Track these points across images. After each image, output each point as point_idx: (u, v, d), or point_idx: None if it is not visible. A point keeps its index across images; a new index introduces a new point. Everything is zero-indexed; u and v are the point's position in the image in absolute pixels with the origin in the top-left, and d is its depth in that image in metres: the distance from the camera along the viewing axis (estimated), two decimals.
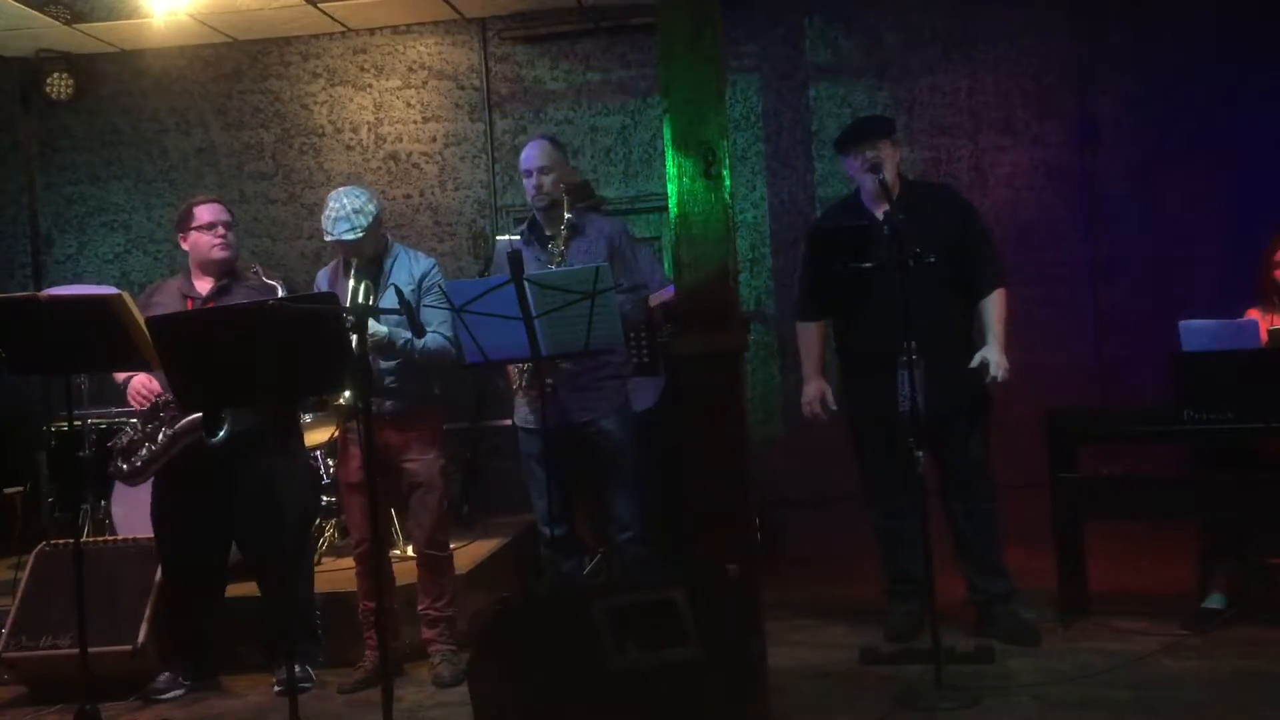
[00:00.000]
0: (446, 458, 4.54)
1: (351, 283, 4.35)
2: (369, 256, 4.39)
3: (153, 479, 4.50)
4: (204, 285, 4.52)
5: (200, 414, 4.21)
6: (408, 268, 4.43)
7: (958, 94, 6.90)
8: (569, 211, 4.40)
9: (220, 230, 4.50)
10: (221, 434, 4.24)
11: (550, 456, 4.27)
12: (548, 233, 4.44)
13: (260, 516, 4.32)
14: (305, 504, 4.52)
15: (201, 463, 4.31)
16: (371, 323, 4.13)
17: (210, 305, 4.38)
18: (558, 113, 7.20)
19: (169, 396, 4.30)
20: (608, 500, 4.43)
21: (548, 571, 4.47)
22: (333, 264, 4.58)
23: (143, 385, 4.38)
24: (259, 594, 4.59)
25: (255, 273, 4.58)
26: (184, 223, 4.55)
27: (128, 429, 4.45)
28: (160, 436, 4.33)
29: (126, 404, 4.50)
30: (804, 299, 4.73)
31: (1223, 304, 4.74)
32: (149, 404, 4.36)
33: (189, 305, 4.39)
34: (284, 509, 4.33)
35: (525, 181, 4.45)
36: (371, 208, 4.31)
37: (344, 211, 4.27)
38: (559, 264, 4.27)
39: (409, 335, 4.19)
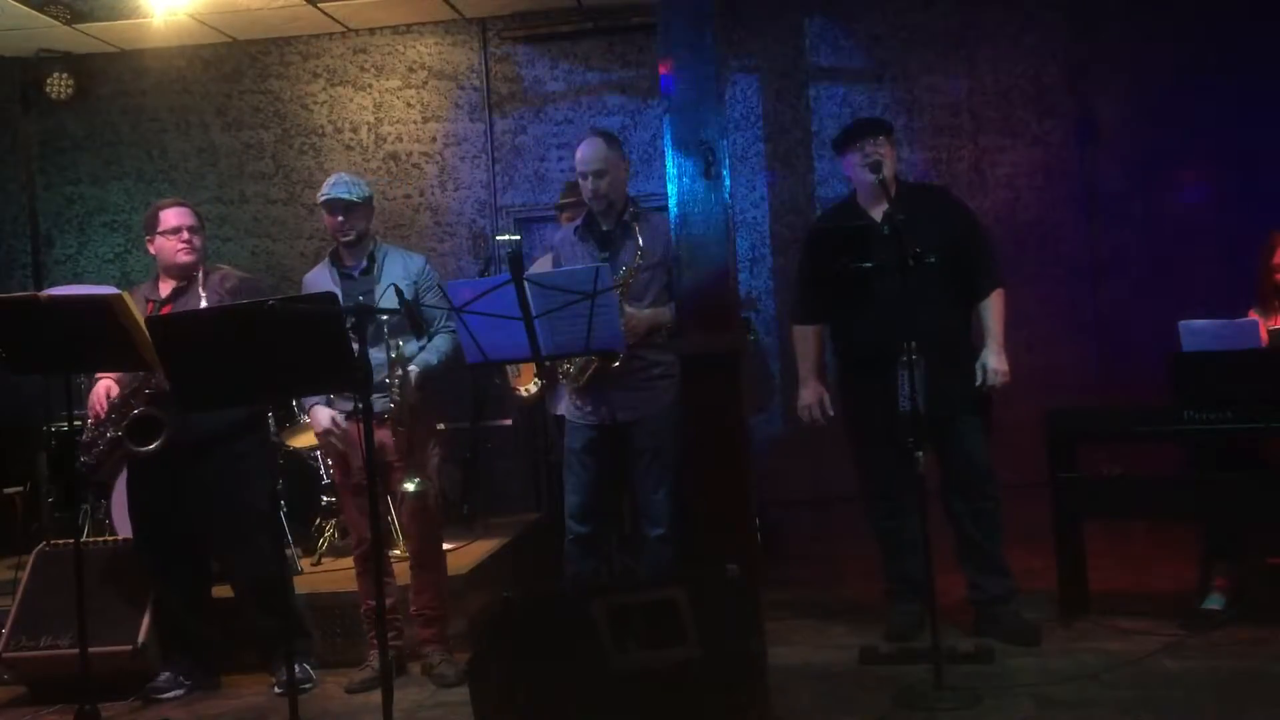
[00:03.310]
0: (440, 457, 4.53)
1: (340, 287, 4.35)
2: (357, 237, 4.38)
3: (127, 479, 4.53)
4: (168, 288, 4.48)
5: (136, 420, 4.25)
6: (402, 264, 4.43)
7: (958, 94, 6.90)
8: (625, 212, 4.39)
9: (185, 235, 4.43)
10: (152, 446, 4.23)
11: (590, 454, 4.34)
12: (604, 229, 4.43)
13: (219, 518, 4.38)
14: (264, 505, 4.45)
15: (167, 463, 4.30)
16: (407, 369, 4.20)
17: (166, 309, 4.32)
18: (558, 113, 7.20)
19: (124, 398, 4.32)
20: (644, 499, 4.41)
21: (567, 567, 4.46)
22: (318, 267, 4.56)
23: (96, 397, 4.37)
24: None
25: (220, 277, 4.49)
26: (150, 226, 4.49)
27: (87, 426, 4.47)
28: (106, 436, 4.36)
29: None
30: (801, 302, 4.72)
31: (1223, 304, 4.74)
32: (101, 413, 4.36)
33: (149, 308, 4.33)
34: (240, 511, 4.35)
35: (580, 182, 4.41)
36: (368, 190, 4.43)
37: (341, 179, 4.40)
38: (627, 277, 4.26)
39: (434, 360, 4.26)
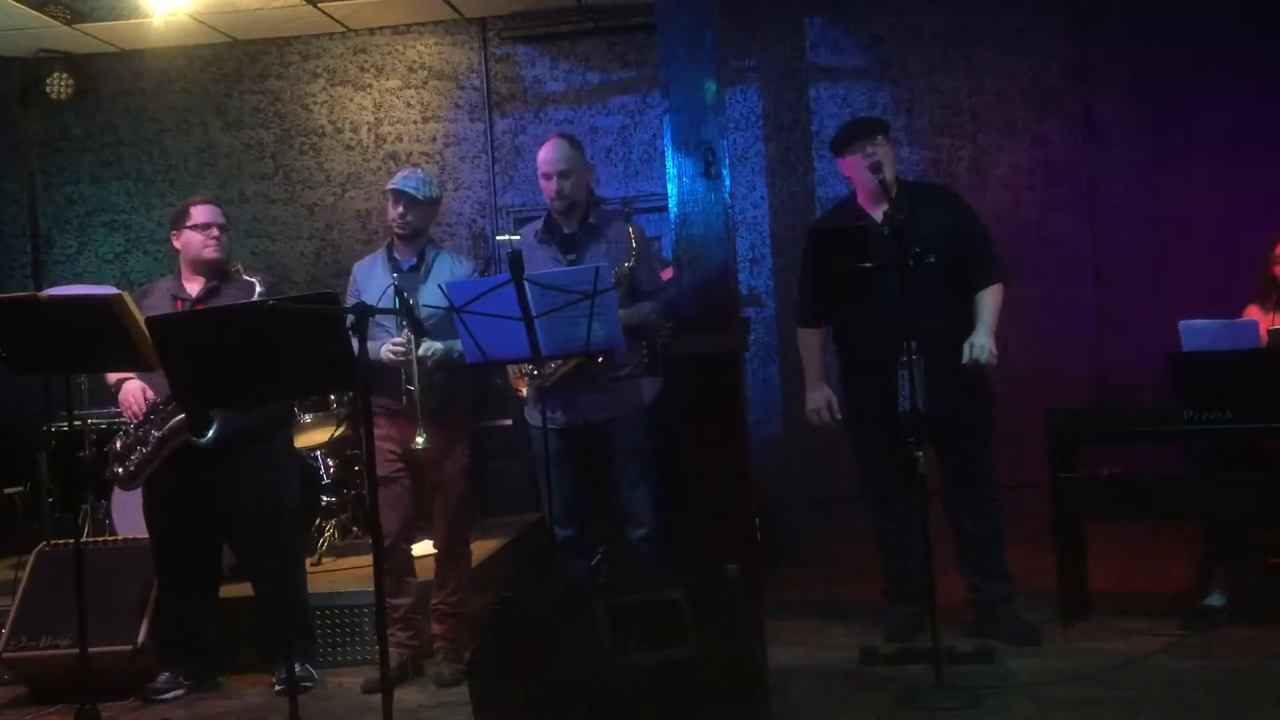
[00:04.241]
0: (472, 455, 4.53)
1: (391, 280, 4.39)
2: (411, 234, 4.44)
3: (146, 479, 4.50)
4: (194, 286, 4.51)
5: (188, 415, 4.22)
6: (450, 268, 4.47)
7: (958, 94, 6.90)
8: (590, 213, 4.40)
9: (214, 232, 4.49)
10: (210, 435, 4.23)
11: (564, 457, 4.31)
12: (566, 231, 4.43)
13: (252, 516, 4.35)
14: (296, 503, 4.49)
15: (192, 463, 4.30)
16: (426, 342, 4.21)
17: (200, 306, 4.36)
18: (558, 113, 7.20)
19: (158, 400, 4.32)
20: (623, 498, 4.42)
21: (558, 571, 4.46)
22: (372, 256, 4.61)
23: (133, 396, 4.36)
24: (253, 595, 4.59)
25: (237, 271, 4.52)
26: (179, 220, 4.55)
27: (120, 433, 4.45)
28: (150, 439, 4.33)
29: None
30: (804, 303, 4.72)
31: (1223, 304, 4.75)
32: (140, 415, 4.35)
33: (179, 306, 4.38)
34: (276, 508, 4.33)
35: (543, 183, 4.44)
36: (436, 193, 4.51)
37: (415, 174, 4.47)
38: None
39: (457, 346, 4.23)
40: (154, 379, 4.28)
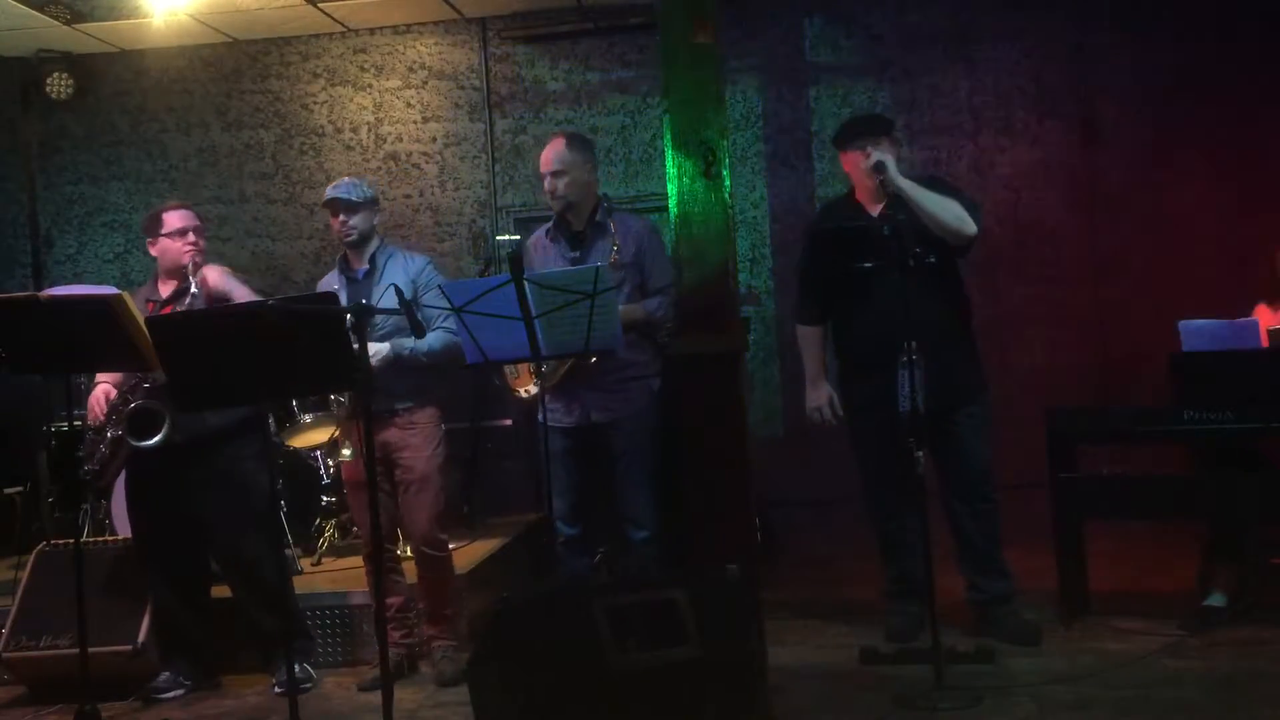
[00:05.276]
0: (445, 455, 4.54)
1: (346, 291, 4.39)
2: (359, 238, 4.41)
3: (126, 478, 4.53)
4: (168, 288, 4.49)
5: (131, 418, 4.24)
6: (403, 266, 4.45)
7: (958, 94, 6.90)
8: (598, 210, 4.40)
9: (191, 237, 4.45)
10: (154, 440, 4.21)
11: (569, 456, 4.32)
12: (574, 229, 4.45)
13: (223, 516, 4.38)
14: (261, 502, 4.44)
15: (167, 462, 4.30)
16: (373, 346, 4.16)
17: (167, 309, 4.34)
18: (558, 113, 7.20)
19: (117, 401, 4.34)
20: (624, 499, 4.42)
21: (560, 568, 4.46)
22: (330, 273, 4.62)
23: (94, 400, 4.39)
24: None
25: (203, 278, 4.44)
26: (152, 228, 4.50)
27: (88, 433, 4.48)
28: (106, 440, 4.36)
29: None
30: (803, 301, 4.71)
31: (1223, 304, 4.74)
32: (101, 418, 4.37)
33: (149, 308, 4.34)
34: (247, 509, 4.34)
35: (543, 182, 4.46)
36: (371, 192, 4.48)
37: (344, 181, 4.46)
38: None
39: (411, 345, 4.23)
40: (120, 379, 4.34)
